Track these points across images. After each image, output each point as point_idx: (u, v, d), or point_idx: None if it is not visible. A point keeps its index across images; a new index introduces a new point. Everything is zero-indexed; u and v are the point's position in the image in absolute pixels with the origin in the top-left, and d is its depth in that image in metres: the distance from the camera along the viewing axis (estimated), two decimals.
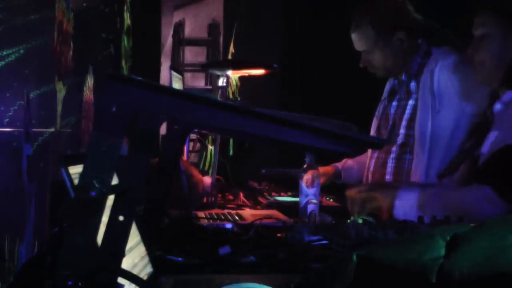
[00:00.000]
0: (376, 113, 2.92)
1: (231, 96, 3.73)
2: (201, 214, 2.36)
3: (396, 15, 2.72)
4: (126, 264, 1.18)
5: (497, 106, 2.17)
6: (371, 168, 2.80)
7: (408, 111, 2.72)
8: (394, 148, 2.72)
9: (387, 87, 2.94)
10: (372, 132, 2.87)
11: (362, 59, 2.77)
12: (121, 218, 1.00)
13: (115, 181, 1.04)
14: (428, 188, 2.24)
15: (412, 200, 2.14)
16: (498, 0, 2.18)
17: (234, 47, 4.07)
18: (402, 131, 2.70)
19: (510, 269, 0.77)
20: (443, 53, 2.66)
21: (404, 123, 2.70)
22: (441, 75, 2.59)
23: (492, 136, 2.12)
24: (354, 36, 2.76)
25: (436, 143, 2.59)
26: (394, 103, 2.81)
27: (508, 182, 1.99)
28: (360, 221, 2.01)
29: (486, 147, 2.13)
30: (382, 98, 2.94)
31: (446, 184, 2.32)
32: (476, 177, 2.09)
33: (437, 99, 2.58)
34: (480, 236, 0.83)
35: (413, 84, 2.72)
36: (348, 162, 3.04)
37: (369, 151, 2.88)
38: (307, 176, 2.47)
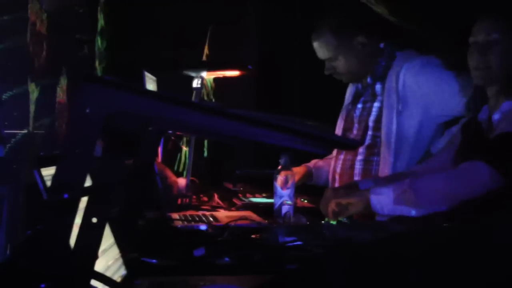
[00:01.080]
0: (341, 116, 2.93)
1: (205, 97, 3.72)
2: (175, 215, 2.35)
3: (355, 19, 2.73)
4: (99, 266, 1.17)
5: (496, 116, 2.19)
6: (338, 170, 2.81)
7: (374, 113, 2.74)
8: (361, 150, 2.73)
9: (350, 90, 2.96)
10: (338, 133, 2.88)
11: (326, 67, 2.78)
12: (94, 220, 0.99)
13: (89, 182, 1.03)
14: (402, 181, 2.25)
15: (388, 191, 2.14)
16: (503, 6, 2.22)
17: (209, 48, 4.06)
18: (369, 132, 2.72)
19: None
20: (408, 56, 2.68)
21: (370, 124, 2.72)
22: (406, 77, 2.62)
23: None
24: (316, 45, 2.77)
25: (401, 145, 2.61)
26: (359, 106, 2.82)
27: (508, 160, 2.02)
28: (334, 222, 2.02)
29: None
30: (346, 101, 2.95)
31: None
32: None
33: (402, 101, 2.60)
34: None
35: (378, 87, 2.74)
36: (319, 162, 3.05)
37: (335, 153, 2.90)
38: (281, 177, 2.48)
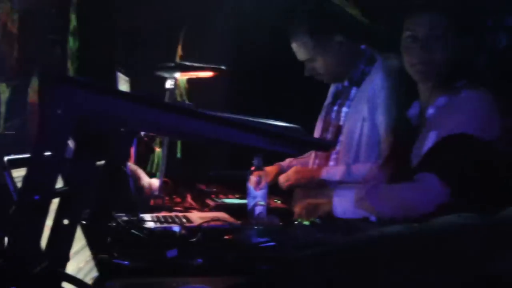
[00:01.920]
0: (320, 116, 2.94)
1: (179, 98, 3.70)
2: (148, 217, 2.34)
3: (331, 18, 2.74)
4: (71, 268, 1.16)
5: (430, 111, 2.21)
6: None
7: (342, 118, 2.75)
8: (333, 156, 2.75)
9: (332, 90, 2.97)
10: (316, 134, 2.90)
11: (306, 68, 2.79)
12: (66, 222, 0.99)
13: (60, 184, 1.02)
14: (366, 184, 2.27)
15: (350, 194, 2.16)
16: (446, 5, 2.23)
17: (182, 49, 4.05)
18: (340, 137, 2.73)
19: None
20: (386, 62, 2.70)
21: (341, 129, 2.75)
22: (378, 83, 2.63)
23: (431, 138, 2.15)
24: (294, 46, 2.78)
25: (360, 151, 2.63)
26: (335, 108, 2.83)
27: (454, 170, 2.04)
28: (307, 223, 2.03)
29: (427, 148, 2.17)
30: (326, 101, 2.97)
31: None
32: (419, 171, 2.12)
33: (369, 109, 2.62)
34: None
35: (353, 91, 2.76)
36: (292, 161, 3.06)
37: (312, 157, 2.91)
38: (254, 178, 2.48)
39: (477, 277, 0.74)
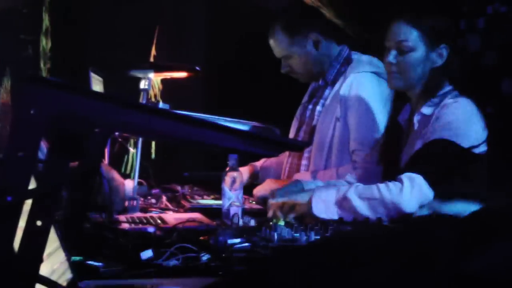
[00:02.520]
0: (296, 115, 2.96)
1: (153, 99, 3.69)
2: (122, 218, 2.33)
3: (307, 17, 2.76)
4: (44, 270, 1.15)
5: (416, 117, 2.25)
6: (286, 173, 2.84)
7: (316, 117, 2.77)
8: (306, 155, 2.76)
9: (309, 88, 2.98)
10: (291, 134, 2.91)
11: (282, 65, 2.80)
12: (39, 223, 0.98)
13: (33, 185, 1.02)
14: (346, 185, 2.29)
15: (330, 195, 2.17)
16: (419, 13, 2.27)
17: (156, 49, 4.04)
18: (314, 137, 2.75)
19: None
20: (361, 62, 2.72)
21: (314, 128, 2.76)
22: (352, 84, 2.65)
23: (417, 146, 2.19)
24: (271, 43, 2.80)
25: (332, 151, 2.65)
26: (310, 107, 2.85)
27: (439, 172, 2.09)
28: (282, 223, 2.03)
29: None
30: (303, 100, 2.98)
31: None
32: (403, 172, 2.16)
33: (342, 109, 2.64)
34: None
35: (327, 91, 2.77)
36: (267, 162, 3.07)
37: (286, 156, 2.92)
38: (229, 179, 2.48)
39: (449, 276, 0.75)
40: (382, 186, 2.13)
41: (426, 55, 2.23)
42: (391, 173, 2.25)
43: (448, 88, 2.25)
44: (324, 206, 2.15)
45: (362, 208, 2.10)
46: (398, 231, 0.85)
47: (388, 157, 2.37)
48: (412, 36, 2.22)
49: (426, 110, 2.23)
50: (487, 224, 0.80)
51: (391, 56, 2.25)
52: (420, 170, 2.10)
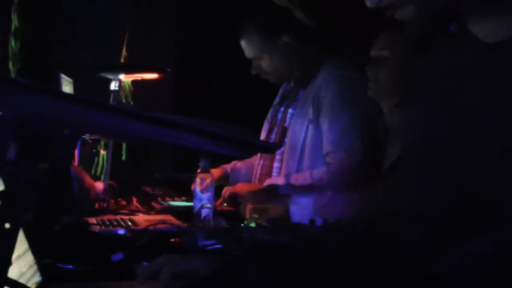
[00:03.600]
0: (268, 117, 2.96)
1: (124, 100, 3.68)
2: (92, 220, 2.31)
3: (279, 19, 2.77)
4: (13, 273, 1.14)
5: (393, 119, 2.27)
6: (258, 175, 2.84)
7: (288, 119, 2.78)
8: (278, 157, 2.76)
9: (280, 90, 2.99)
10: (263, 136, 2.91)
11: (253, 65, 2.81)
12: (7, 225, 0.97)
13: (1, 187, 1.00)
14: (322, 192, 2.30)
15: (308, 203, 2.19)
16: (399, 23, 2.28)
17: (127, 50, 4.02)
18: (285, 138, 2.75)
19: None
20: (332, 64, 2.73)
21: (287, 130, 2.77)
22: (324, 86, 2.66)
23: (396, 146, 2.20)
24: (242, 44, 2.80)
25: (304, 153, 2.66)
26: (282, 109, 2.86)
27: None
28: (253, 225, 2.04)
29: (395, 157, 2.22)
30: (274, 102, 2.98)
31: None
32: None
33: (314, 111, 2.64)
34: None
35: (300, 93, 2.78)
36: (237, 164, 3.07)
37: (257, 158, 2.92)
38: (200, 180, 2.47)
39: (416, 277, 0.76)
40: (359, 194, 2.14)
41: (398, 64, 2.24)
42: (374, 175, 2.26)
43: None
44: (302, 214, 2.17)
45: (344, 216, 2.11)
46: (366, 232, 0.86)
47: (370, 160, 2.37)
48: (387, 47, 2.24)
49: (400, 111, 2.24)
50: (453, 224, 0.81)
51: (370, 65, 2.28)
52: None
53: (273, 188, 2.55)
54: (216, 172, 2.96)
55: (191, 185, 2.53)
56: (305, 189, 2.45)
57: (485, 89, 1.12)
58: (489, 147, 1.12)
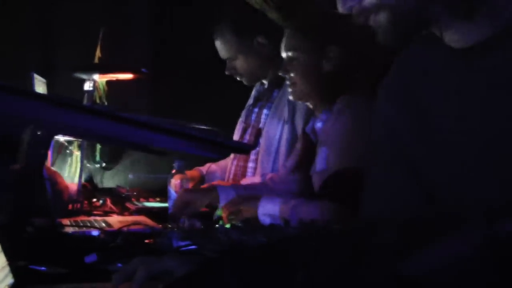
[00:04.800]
0: (241, 118, 2.96)
1: (98, 101, 3.65)
2: (66, 221, 2.29)
3: (254, 19, 2.77)
4: None
5: (318, 124, 2.28)
6: (231, 176, 2.83)
7: (263, 120, 2.78)
8: (252, 157, 2.77)
9: (254, 91, 2.99)
10: (236, 136, 2.91)
11: (227, 66, 2.81)
12: None
13: None
14: (288, 199, 2.30)
15: (274, 211, 2.19)
16: (303, 22, 2.30)
17: (101, 50, 3.99)
18: (260, 139, 2.76)
19: None
20: None
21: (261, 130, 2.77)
22: None
23: (323, 152, 2.21)
24: (217, 44, 2.80)
25: (279, 153, 2.66)
26: (256, 109, 2.86)
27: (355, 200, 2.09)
28: (228, 225, 2.03)
29: (320, 164, 2.21)
30: (248, 103, 2.99)
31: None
32: (323, 194, 2.17)
33: (290, 111, 2.65)
34: None
35: (275, 93, 2.79)
36: (212, 166, 3.06)
37: (231, 159, 2.92)
38: (175, 181, 2.46)
39: (388, 277, 0.76)
40: (321, 204, 2.14)
41: (311, 66, 2.26)
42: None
43: (347, 96, 2.24)
44: (270, 220, 2.17)
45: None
46: (339, 233, 0.86)
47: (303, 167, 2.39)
48: (294, 47, 2.28)
49: (324, 116, 2.25)
50: (425, 226, 0.82)
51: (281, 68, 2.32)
52: (337, 199, 2.10)
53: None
54: (191, 174, 2.95)
55: (165, 186, 2.52)
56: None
57: (450, 91, 1.14)
58: (453, 147, 1.14)
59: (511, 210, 0.79)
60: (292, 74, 2.26)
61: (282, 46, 2.29)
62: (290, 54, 2.26)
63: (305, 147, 2.37)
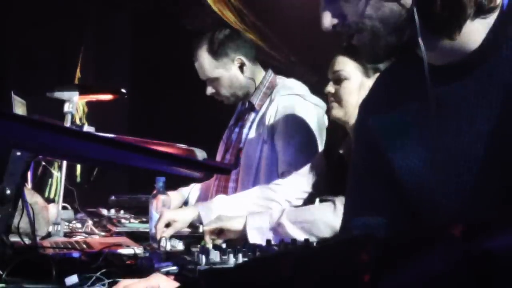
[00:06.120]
0: (223, 138, 2.97)
1: (78, 121, 3.64)
2: (46, 243, 2.28)
3: (232, 39, 2.79)
4: None
5: None
6: (214, 195, 2.83)
7: (243, 139, 2.79)
8: (233, 177, 2.77)
9: (236, 112, 3.00)
10: (218, 156, 2.92)
11: (207, 87, 2.82)
12: None
13: None
14: (276, 210, 2.30)
15: (264, 223, 2.19)
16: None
17: (81, 71, 3.99)
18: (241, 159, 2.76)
19: None
20: (286, 86, 2.75)
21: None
22: (277, 107, 2.68)
23: None
24: (196, 65, 2.81)
25: (259, 173, 2.67)
26: (237, 129, 2.87)
27: None
28: (210, 246, 2.03)
29: None
30: (230, 123, 2.99)
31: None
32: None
33: (269, 132, 2.66)
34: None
35: (254, 113, 2.80)
36: (195, 187, 3.06)
37: (213, 179, 2.92)
38: (156, 202, 2.45)
39: None
40: (314, 207, 2.16)
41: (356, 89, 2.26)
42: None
43: None
44: (259, 234, 2.17)
45: (297, 233, 2.13)
46: (320, 252, 0.86)
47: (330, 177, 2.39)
48: (345, 69, 2.27)
49: None
50: (401, 241, 0.83)
51: (329, 86, 2.30)
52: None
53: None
54: (173, 195, 2.95)
55: (147, 206, 2.51)
56: None
57: (430, 107, 1.16)
58: (432, 161, 1.15)
59: (488, 227, 0.80)
60: (340, 93, 2.26)
61: (333, 64, 2.30)
62: (342, 73, 2.26)
63: (335, 165, 2.37)
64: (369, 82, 2.25)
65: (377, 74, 2.19)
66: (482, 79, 1.09)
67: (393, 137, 1.22)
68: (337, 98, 2.29)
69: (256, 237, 2.18)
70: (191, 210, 2.41)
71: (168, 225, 2.32)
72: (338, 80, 2.28)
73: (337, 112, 2.32)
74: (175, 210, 2.55)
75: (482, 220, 0.81)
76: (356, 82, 2.27)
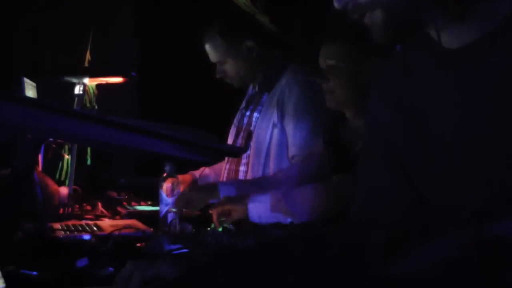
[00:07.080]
0: (234, 121, 2.96)
1: (88, 104, 3.64)
2: (57, 225, 2.29)
3: (243, 23, 2.77)
4: None
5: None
6: (224, 179, 2.84)
7: (253, 123, 2.79)
8: (244, 160, 2.77)
9: (247, 95, 3.00)
10: (230, 140, 2.91)
11: (217, 69, 2.81)
12: None
13: None
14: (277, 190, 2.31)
15: (265, 199, 2.20)
16: (348, 32, 2.27)
17: (91, 54, 3.98)
18: (251, 142, 2.76)
19: None
20: (295, 69, 2.74)
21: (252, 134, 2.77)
22: (287, 91, 2.67)
23: None
24: (206, 48, 2.80)
25: (270, 157, 2.67)
26: (247, 113, 2.86)
27: None
28: (220, 229, 2.04)
29: None
30: (241, 106, 2.99)
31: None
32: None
33: (279, 115, 2.66)
34: None
35: (264, 97, 2.79)
36: (206, 170, 3.06)
37: (224, 162, 2.92)
38: (166, 185, 2.46)
39: (378, 278, 0.77)
40: (314, 185, 2.16)
41: (352, 73, 2.22)
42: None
43: None
44: (260, 212, 2.18)
45: (296, 210, 2.13)
46: (327, 234, 0.86)
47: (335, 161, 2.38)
48: (336, 57, 2.22)
49: None
50: (413, 227, 0.82)
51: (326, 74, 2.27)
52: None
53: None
54: (184, 178, 2.95)
55: (157, 189, 2.51)
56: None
57: (443, 91, 1.14)
58: (444, 147, 1.14)
59: (499, 211, 0.79)
60: (331, 83, 2.22)
61: (321, 54, 2.26)
62: (329, 62, 2.22)
63: (338, 151, 2.36)
64: (363, 70, 2.21)
65: (371, 62, 2.18)
66: (503, 57, 1.08)
67: (408, 125, 1.21)
68: (329, 87, 2.25)
69: (256, 213, 2.18)
70: (210, 188, 2.41)
71: (188, 203, 2.35)
72: (330, 69, 2.24)
73: (330, 104, 2.29)
74: (195, 188, 2.55)
75: (494, 203, 0.80)
76: (348, 71, 2.21)
